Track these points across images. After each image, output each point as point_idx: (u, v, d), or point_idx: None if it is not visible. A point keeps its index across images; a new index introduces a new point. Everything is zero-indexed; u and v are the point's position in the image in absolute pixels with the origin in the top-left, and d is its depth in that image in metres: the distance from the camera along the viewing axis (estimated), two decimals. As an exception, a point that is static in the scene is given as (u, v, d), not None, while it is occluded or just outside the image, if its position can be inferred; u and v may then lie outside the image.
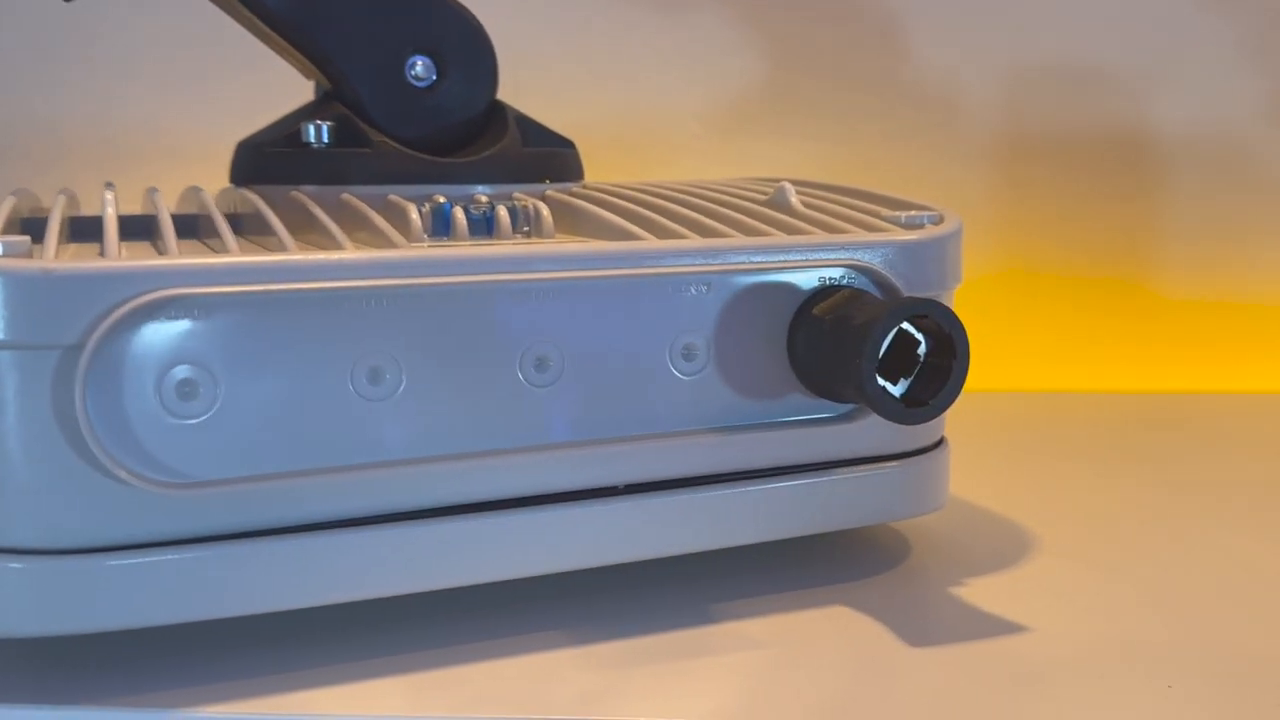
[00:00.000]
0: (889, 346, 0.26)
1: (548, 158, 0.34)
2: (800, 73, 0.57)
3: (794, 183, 0.37)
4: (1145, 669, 0.24)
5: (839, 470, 0.29)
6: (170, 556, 0.23)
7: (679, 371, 0.27)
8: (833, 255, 0.28)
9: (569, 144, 0.35)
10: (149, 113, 0.55)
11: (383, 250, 0.24)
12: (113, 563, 0.22)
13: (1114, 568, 0.30)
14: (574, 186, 0.35)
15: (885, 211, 0.31)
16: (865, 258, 0.28)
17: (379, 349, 0.24)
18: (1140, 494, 0.37)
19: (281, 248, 0.25)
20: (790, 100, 0.57)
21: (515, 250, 0.25)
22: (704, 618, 0.27)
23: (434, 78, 0.34)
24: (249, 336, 0.23)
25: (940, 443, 0.31)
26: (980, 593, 0.29)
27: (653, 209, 0.31)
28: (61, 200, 0.30)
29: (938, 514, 0.32)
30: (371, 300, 0.24)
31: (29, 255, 0.22)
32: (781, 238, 0.28)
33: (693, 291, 0.26)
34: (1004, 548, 0.32)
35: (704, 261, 0.26)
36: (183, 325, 0.22)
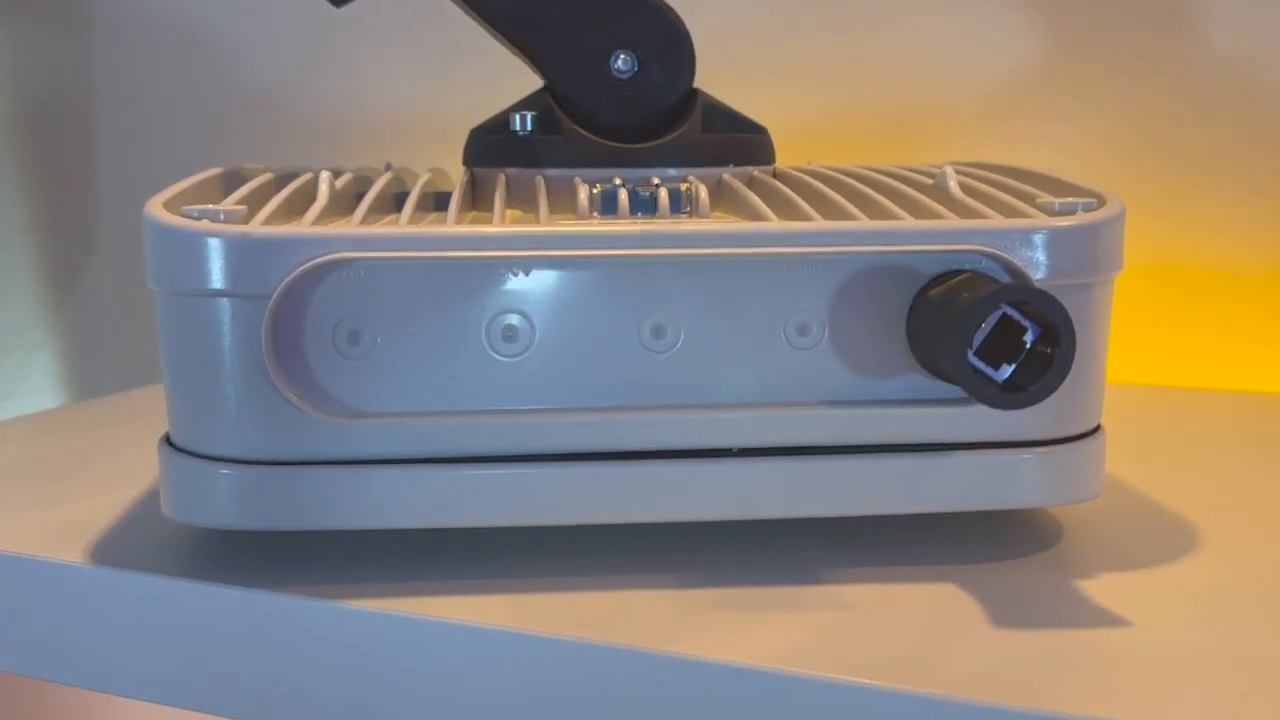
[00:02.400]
0: (997, 332, 0.26)
1: (730, 143, 0.36)
2: (1084, 54, 0.55)
3: (984, 167, 0.37)
4: (1228, 676, 0.24)
5: (959, 453, 0.29)
6: (338, 473, 0.28)
7: (792, 345, 0.28)
8: (958, 241, 0.28)
9: (758, 129, 0.38)
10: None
11: (514, 226, 0.28)
12: (291, 475, 0.28)
13: (1266, 578, 0.29)
14: (755, 170, 0.37)
15: (1043, 197, 0.31)
16: (993, 243, 0.28)
17: (512, 311, 0.28)
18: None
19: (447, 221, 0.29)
20: (1072, 80, 0.55)
21: (636, 228, 0.28)
22: (809, 578, 0.29)
23: (635, 70, 0.37)
24: (403, 295, 0.27)
25: (1095, 431, 0.31)
26: (1106, 586, 0.28)
27: (804, 192, 0.32)
28: (380, 180, 0.35)
29: (1102, 506, 0.31)
30: (504, 268, 0.27)
31: (244, 222, 0.28)
32: (903, 223, 0.29)
33: (805, 271, 0.28)
34: (1158, 545, 0.31)
35: (817, 243, 0.28)
36: (350, 282, 0.27)
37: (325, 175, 0.32)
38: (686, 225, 0.28)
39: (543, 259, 0.27)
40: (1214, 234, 0.54)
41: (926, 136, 0.59)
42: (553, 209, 0.34)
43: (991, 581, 0.28)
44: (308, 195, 0.32)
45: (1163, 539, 0.32)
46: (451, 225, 0.28)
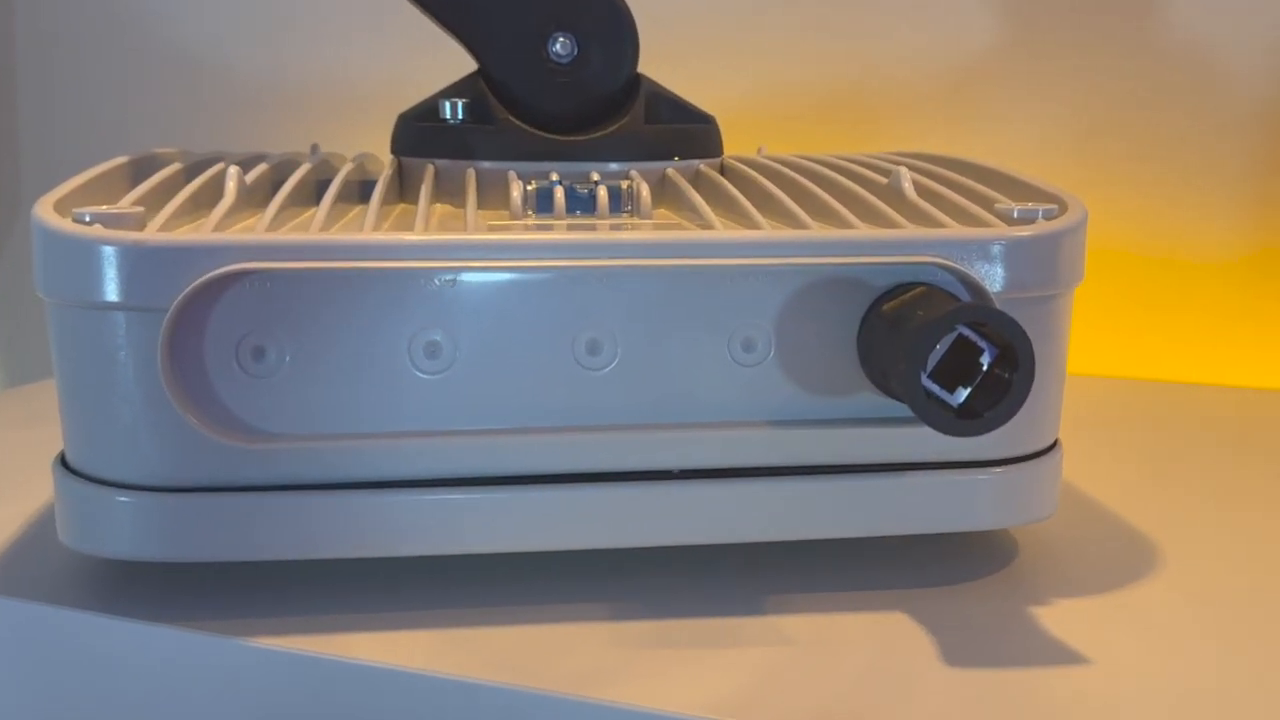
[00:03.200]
0: (952, 352, 0.25)
1: (675, 135, 0.34)
2: (1041, 31, 0.54)
3: (938, 162, 0.35)
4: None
5: (913, 473, 0.28)
6: (244, 500, 0.26)
7: (737, 361, 0.27)
8: (913, 252, 0.26)
9: (706, 119, 0.36)
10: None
11: (437, 233, 0.26)
12: (192, 502, 0.26)
13: (1224, 603, 0.28)
14: (701, 165, 0.35)
15: (1002, 203, 0.29)
16: (950, 254, 0.27)
17: (434, 325, 0.25)
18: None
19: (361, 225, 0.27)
20: (1026, 60, 0.54)
21: (569, 238, 0.26)
22: (752, 608, 0.27)
23: (574, 54, 0.35)
24: (314, 307, 0.25)
25: (1051, 448, 0.30)
26: (1061, 614, 0.27)
27: (750, 192, 0.31)
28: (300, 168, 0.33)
29: (1056, 516, 0.30)
30: (426, 279, 0.25)
31: (141, 226, 0.26)
32: (855, 232, 0.27)
33: (750, 282, 0.26)
34: (1118, 565, 0.30)
35: (764, 254, 0.26)
36: (255, 294, 0.25)
37: (234, 171, 0.29)
38: (624, 234, 0.26)
39: (468, 270, 0.25)
40: (1171, 222, 0.53)
41: (880, 118, 0.57)
42: (484, 205, 0.32)
43: (943, 610, 0.27)
44: (217, 190, 0.30)
45: (1119, 553, 0.30)
46: (368, 233, 0.26)
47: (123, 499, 0.26)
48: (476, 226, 0.27)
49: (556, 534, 0.27)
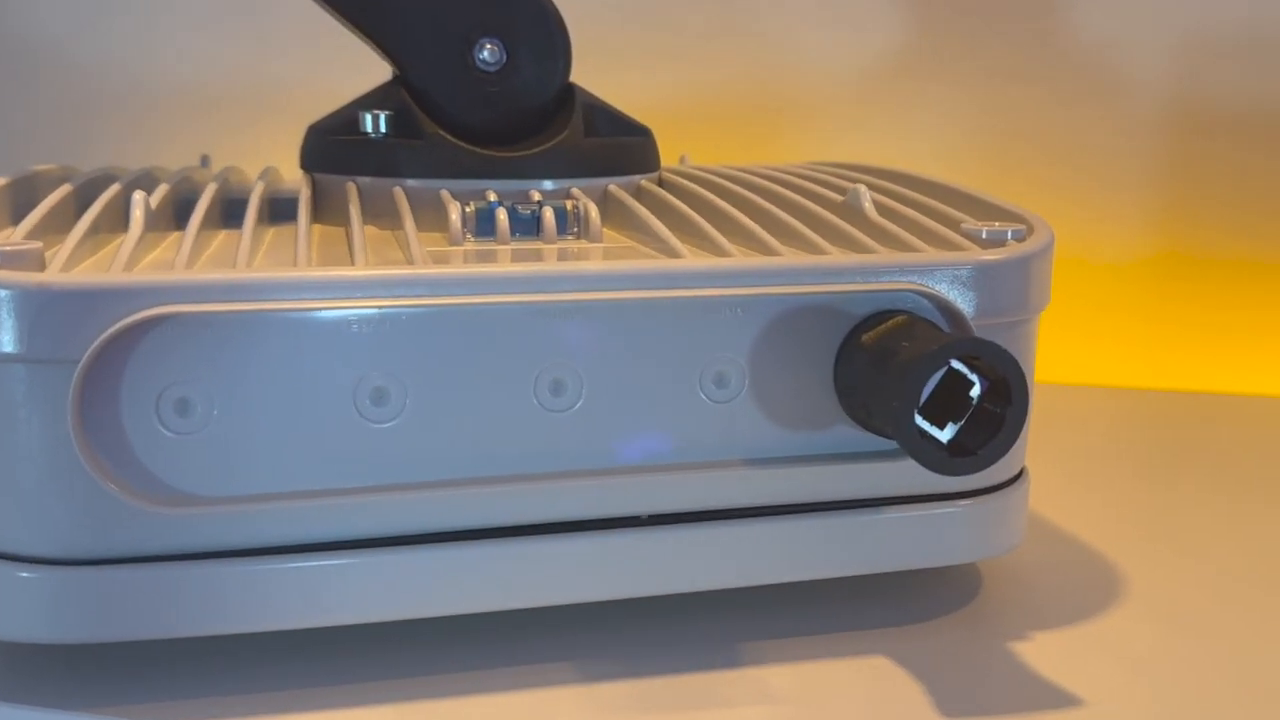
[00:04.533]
0: (939, 385, 0.23)
1: (614, 149, 0.32)
2: (945, 33, 0.53)
3: (882, 175, 0.34)
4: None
5: (886, 510, 0.27)
6: (168, 572, 0.23)
7: (709, 398, 0.25)
8: (891, 278, 0.25)
9: (643, 132, 0.34)
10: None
11: (377, 268, 0.23)
12: (110, 575, 0.23)
13: (1202, 631, 0.27)
14: (642, 180, 0.33)
15: (968, 223, 0.28)
16: (928, 282, 0.25)
17: (382, 369, 0.23)
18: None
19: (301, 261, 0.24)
20: (932, 61, 0.54)
21: (528, 270, 0.24)
22: (728, 660, 0.25)
23: (503, 62, 0.32)
24: (244, 353, 0.22)
25: (1018, 477, 0.29)
26: (1045, 651, 0.26)
27: (703, 210, 0.29)
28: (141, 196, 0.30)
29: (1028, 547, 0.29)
30: (370, 320, 0.23)
31: (39, 266, 0.23)
32: (831, 258, 0.26)
33: (722, 314, 0.25)
34: (1091, 593, 0.29)
35: (738, 284, 0.24)
36: (176, 340, 0.22)
37: (139, 198, 0.26)
38: (587, 264, 0.24)
39: (418, 308, 0.23)
40: (1080, 224, 0.53)
41: (793, 122, 0.56)
42: (418, 228, 0.29)
43: (922, 650, 0.26)
44: (116, 216, 0.27)
45: (1083, 577, 0.30)
46: (304, 268, 0.24)
47: (27, 575, 0.23)
48: (424, 258, 0.24)
49: (521, 590, 0.25)
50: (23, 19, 0.59)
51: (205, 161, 0.39)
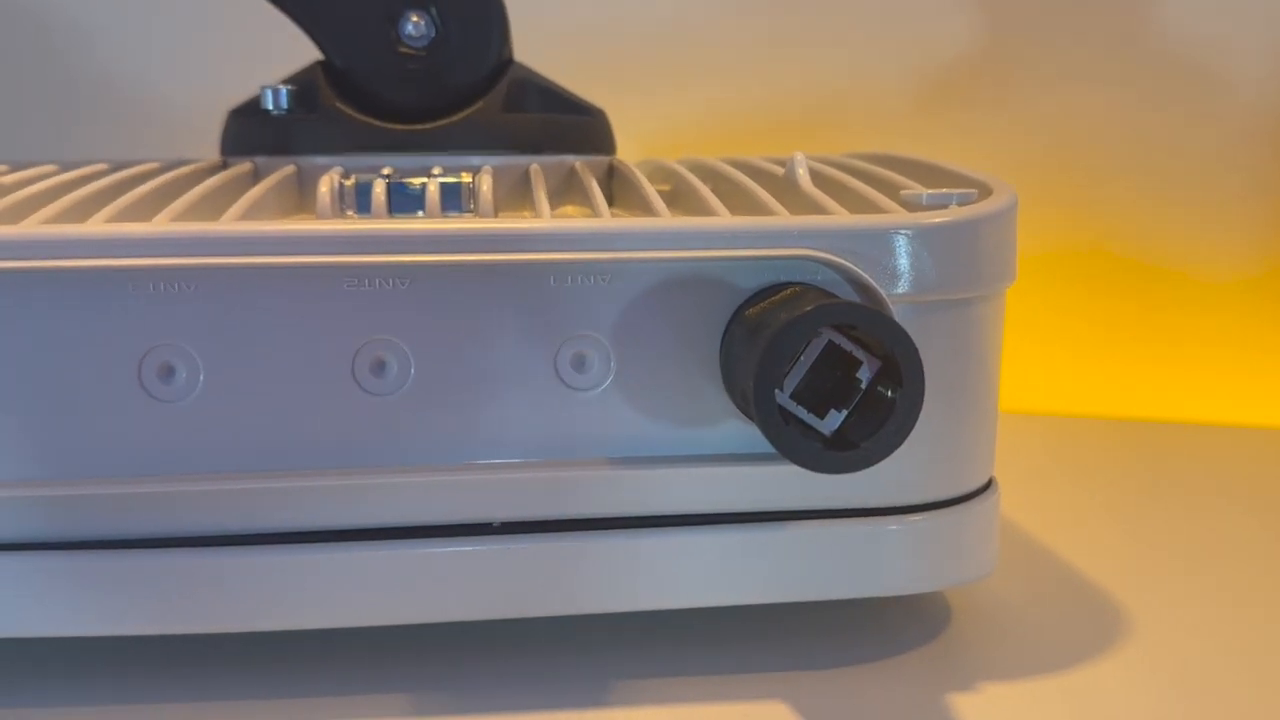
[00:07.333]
0: (824, 367, 0.19)
1: (541, 125, 0.29)
2: (1021, 37, 0.48)
3: (859, 157, 0.30)
4: None
5: (798, 524, 0.22)
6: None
7: (568, 384, 0.21)
8: (782, 244, 0.21)
9: (588, 111, 0.30)
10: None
11: (172, 225, 0.20)
12: None
13: (1192, 671, 0.22)
14: (577, 161, 0.29)
15: (911, 189, 0.24)
16: (830, 246, 0.21)
17: (170, 339, 0.20)
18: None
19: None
20: (1006, 67, 0.49)
21: (339, 229, 0.20)
22: (598, 697, 0.21)
23: (431, 36, 0.30)
24: (12, 319, 0.20)
25: (985, 488, 0.24)
26: (1012, 701, 0.21)
27: (625, 191, 0.25)
28: None
29: (1001, 579, 0.24)
30: (157, 282, 0.20)
31: None
32: (710, 220, 0.22)
33: (580, 283, 0.21)
34: (1067, 629, 0.24)
35: (593, 246, 0.21)
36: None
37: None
38: (416, 224, 0.21)
39: (210, 269, 0.20)
40: (1178, 241, 0.47)
41: (858, 134, 0.51)
42: (306, 207, 0.27)
43: (866, 696, 0.21)
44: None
45: (1070, 620, 0.24)
46: (93, 224, 0.21)
47: None
48: (230, 217, 0.21)
49: (341, 607, 0.21)
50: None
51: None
